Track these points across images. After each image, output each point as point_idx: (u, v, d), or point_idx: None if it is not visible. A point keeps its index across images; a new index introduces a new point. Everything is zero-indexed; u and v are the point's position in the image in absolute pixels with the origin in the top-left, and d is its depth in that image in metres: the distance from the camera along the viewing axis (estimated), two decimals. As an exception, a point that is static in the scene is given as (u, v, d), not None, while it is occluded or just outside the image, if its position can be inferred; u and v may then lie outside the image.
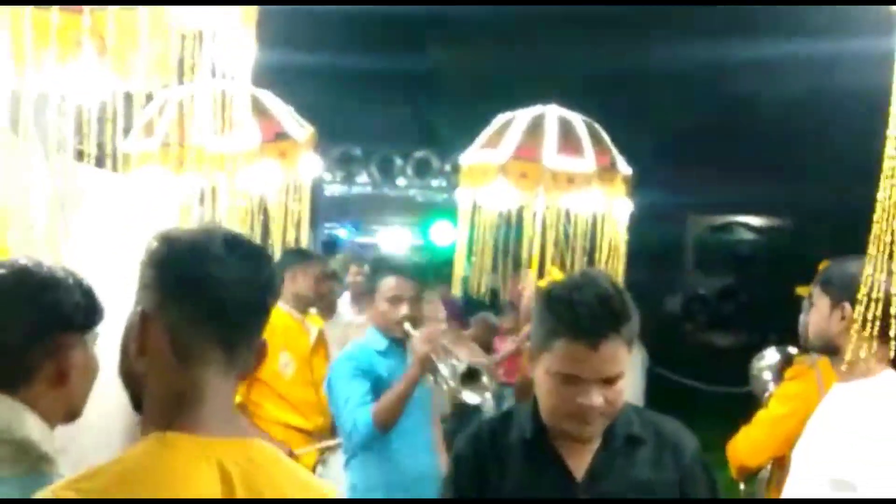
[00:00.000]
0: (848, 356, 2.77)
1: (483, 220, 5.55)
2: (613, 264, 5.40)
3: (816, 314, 3.01)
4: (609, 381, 2.16)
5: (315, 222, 9.85)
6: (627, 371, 2.30)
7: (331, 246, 9.46)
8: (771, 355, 4.59)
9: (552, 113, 5.34)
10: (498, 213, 5.62)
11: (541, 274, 5.26)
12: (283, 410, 4.87)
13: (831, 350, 2.96)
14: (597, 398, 2.14)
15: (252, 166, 4.75)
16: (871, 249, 2.31)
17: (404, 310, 4.03)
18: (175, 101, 4.41)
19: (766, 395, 4.16)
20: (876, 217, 2.29)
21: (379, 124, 10.51)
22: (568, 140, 5.21)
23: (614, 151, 5.37)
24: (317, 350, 5.10)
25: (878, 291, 2.37)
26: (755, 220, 13.06)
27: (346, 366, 4.02)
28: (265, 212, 5.22)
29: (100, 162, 3.65)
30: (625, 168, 5.40)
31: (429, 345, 3.90)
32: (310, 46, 9.08)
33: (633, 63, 8.81)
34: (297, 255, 5.15)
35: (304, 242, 5.17)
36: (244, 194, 5.11)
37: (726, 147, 9.67)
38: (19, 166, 2.96)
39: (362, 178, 11.12)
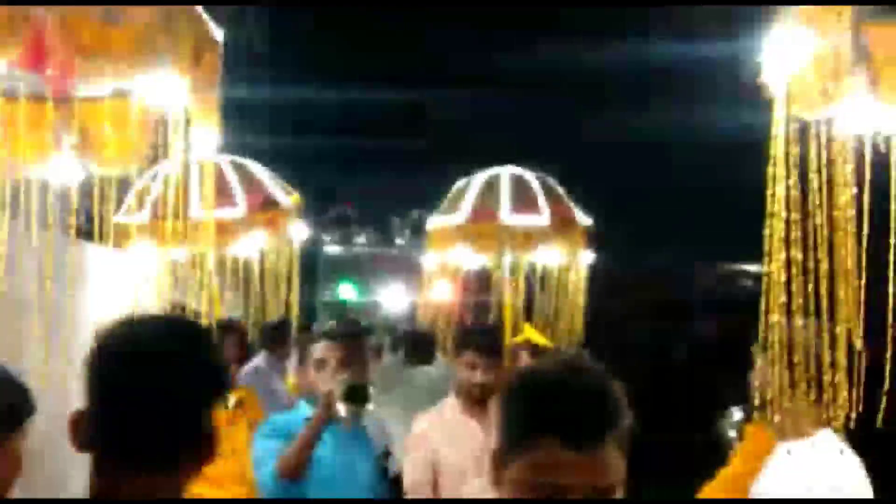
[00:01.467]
0: (776, 417, 2.86)
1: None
2: (575, 315, 5.55)
3: (756, 372, 3.11)
4: (600, 494, 1.70)
5: (315, 282, 10.02)
6: None
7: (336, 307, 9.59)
8: (735, 413, 4.67)
9: (506, 173, 5.56)
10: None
11: (514, 332, 5.39)
12: (200, 486, 4.81)
13: (772, 410, 2.98)
14: None
15: (241, 234, 4.94)
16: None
17: (327, 379, 3.81)
18: (162, 175, 4.60)
19: (731, 452, 4.22)
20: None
21: (376, 186, 10.75)
22: (523, 197, 5.40)
23: (571, 205, 5.54)
24: (235, 420, 5.03)
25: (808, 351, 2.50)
26: (754, 268, 13.16)
27: (262, 430, 3.95)
28: (256, 277, 5.42)
29: (90, 236, 3.84)
30: (583, 220, 5.58)
31: (329, 384, 3.72)
32: (312, 116, 9.33)
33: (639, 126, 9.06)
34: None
35: (296, 304, 5.33)
36: (234, 261, 5.29)
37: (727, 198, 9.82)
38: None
39: (360, 237, 11.32)
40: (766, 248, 2.56)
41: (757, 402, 3.10)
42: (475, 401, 4.13)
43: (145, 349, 1.54)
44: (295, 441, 3.70)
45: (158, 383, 1.52)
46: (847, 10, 2.20)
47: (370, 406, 3.78)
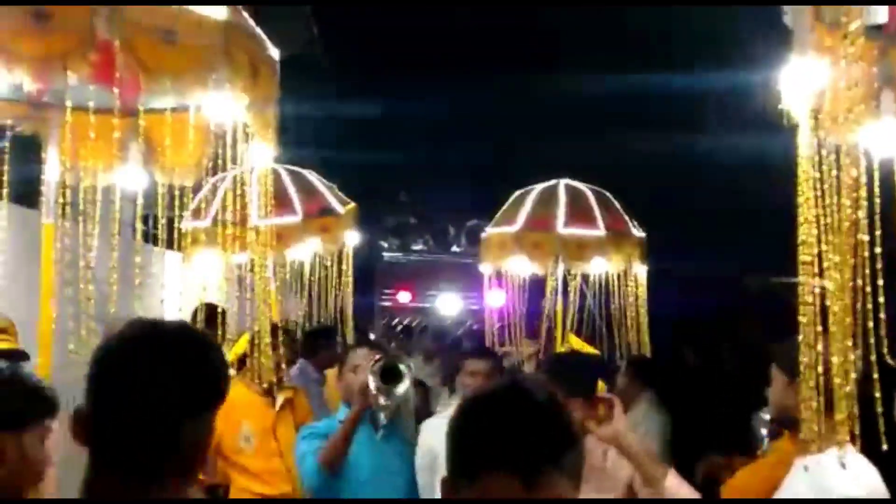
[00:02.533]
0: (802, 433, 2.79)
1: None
2: (635, 327, 5.61)
3: (775, 389, 3.15)
4: None
5: (372, 288, 10.21)
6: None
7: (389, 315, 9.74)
8: (765, 413, 4.68)
9: (563, 185, 5.67)
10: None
11: (561, 341, 5.50)
12: (249, 481, 4.91)
13: (789, 424, 3.06)
14: None
15: (297, 240, 5.13)
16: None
17: (363, 377, 3.93)
18: (224, 184, 4.80)
19: (759, 453, 4.25)
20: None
21: (433, 195, 10.90)
22: (579, 209, 5.51)
23: (626, 218, 5.61)
24: (282, 418, 5.07)
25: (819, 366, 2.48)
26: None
27: (304, 432, 4.12)
28: (312, 283, 5.61)
29: (156, 241, 4.06)
30: (638, 232, 5.64)
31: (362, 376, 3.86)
32: (373, 125, 9.50)
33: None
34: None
35: (349, 311, 5.50)
36: (290, 267, 5.49)
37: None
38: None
39: (418, 245, 11.48)
40: (799, 271, 2.56)
41: (778, 417, 3.17)
42: None
43: (133, 355, 1.55)
44: (334, 433, 3.85)
45: (138, 390, 1.52)
46: (860, 39, 2.24)
47: (403, 386, 3.86)
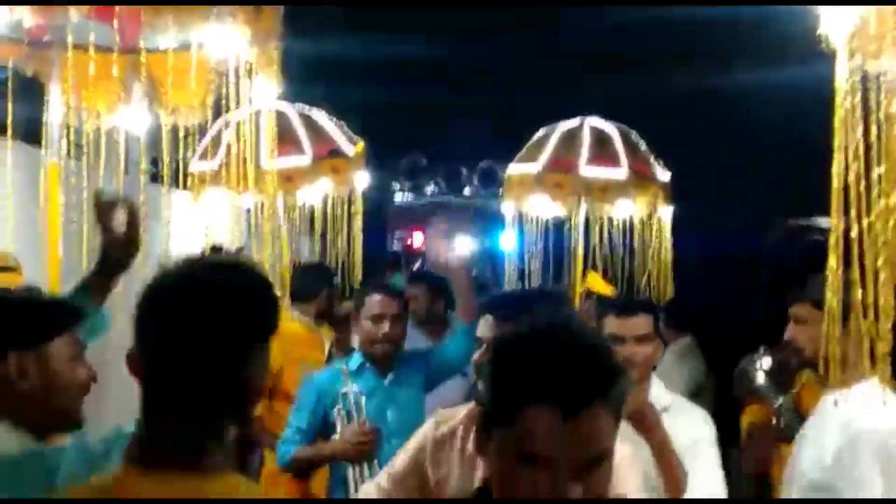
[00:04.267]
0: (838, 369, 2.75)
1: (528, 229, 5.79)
2: (660, 270, 5.55)
3: (810, 330, 3.10)
4: (594, 463, 1.58)
5: (384, 230, 10.16)
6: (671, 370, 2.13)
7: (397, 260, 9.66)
8: (765, 360, 4.63)
9: (588, 124, 5.53)
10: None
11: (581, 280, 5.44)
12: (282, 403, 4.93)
13: (827, 364, 2.89)
14: (574, 487, 1.56)
15: (307, 182, 5.07)
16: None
17: (385, 329, 3.84)
18: (233, 124, 4.74)
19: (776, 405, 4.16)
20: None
21: (445, 135, 10.78)
22: (602, 150, 5.38)
23: (651, 159, 5.51)
24: (330, 360, 5.11)
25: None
26: (826, 221, 12.91)
27: (304, 386, 4.04)
28: (321, 225, 5.55)
29: (164, 181, 4.00)
30: (663, 175, 5.54)
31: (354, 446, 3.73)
32: (384, 64, 9.36)
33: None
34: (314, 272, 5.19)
35: (359, 253, 5.44)
36: (300, 208, 5.44)
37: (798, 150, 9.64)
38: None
39: (430, 187, 11.39)
40: (833, 204, 2.47)
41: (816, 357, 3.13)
42: None
43: (185, 291, 1.52)
44: (314, 452, 3.82)
45: (191, 327, 1.49)
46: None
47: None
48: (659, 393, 3.11)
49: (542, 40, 9.73)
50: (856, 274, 2.56)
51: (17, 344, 2.04)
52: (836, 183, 2.44)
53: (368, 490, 2.89)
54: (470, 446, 2.55)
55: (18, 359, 2.03)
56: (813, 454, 3.03)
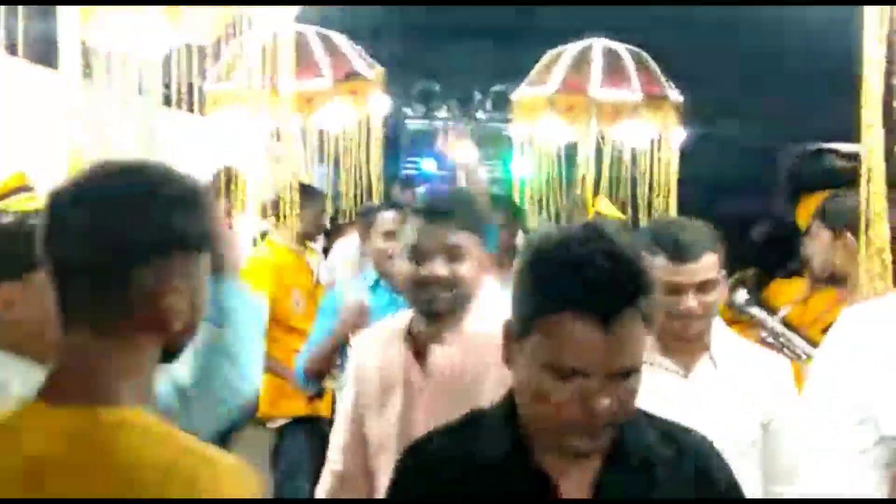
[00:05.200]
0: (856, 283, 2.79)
1: (538, 153, 5.69)
2: (667, 193, 5.47)
3: (819, 247, 3.09)
4: (623, 376, 1.52)
5: (397, 156, 10.06)
6: None
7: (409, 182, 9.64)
8: (740, 294, 4.63)
9: (598, 45, 5.43)
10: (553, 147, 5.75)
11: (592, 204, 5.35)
12: (297, 341, 4.92)
13: (837, 280, 3.04)
14: (604, 400, 1.50)
15: (325, 105, 4.96)
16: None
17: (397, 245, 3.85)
18: (250, 45, 4.61)
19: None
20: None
21: (458, 59, 10.58)
22: (614, 71, 5.30)
23: (663, 80, 5.40)
24: (319, 284, 5.04)
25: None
26: (847, 147, 12.79)
27: (325, 300, 4.06)
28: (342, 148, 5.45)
29: (180, 105, 3.91)
30: (675, 96, 5.43)
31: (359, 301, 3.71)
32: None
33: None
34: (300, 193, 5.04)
35: (376, 177, 5.36)
36: (319, 131, 5.34)
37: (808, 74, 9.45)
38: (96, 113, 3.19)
39: (442, 112, 11.22)
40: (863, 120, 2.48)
41: (824, 274, 3.11)
42: None
43: (73, 197, 1.34)
44: (323, 342, 3.76)
45: (75, 235, 1.32)
46: None
47: None
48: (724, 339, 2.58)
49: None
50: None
51: (2, 274, 1.96)
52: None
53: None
54: (387, 361, 2.43)
55: (5, 289, 1.96)
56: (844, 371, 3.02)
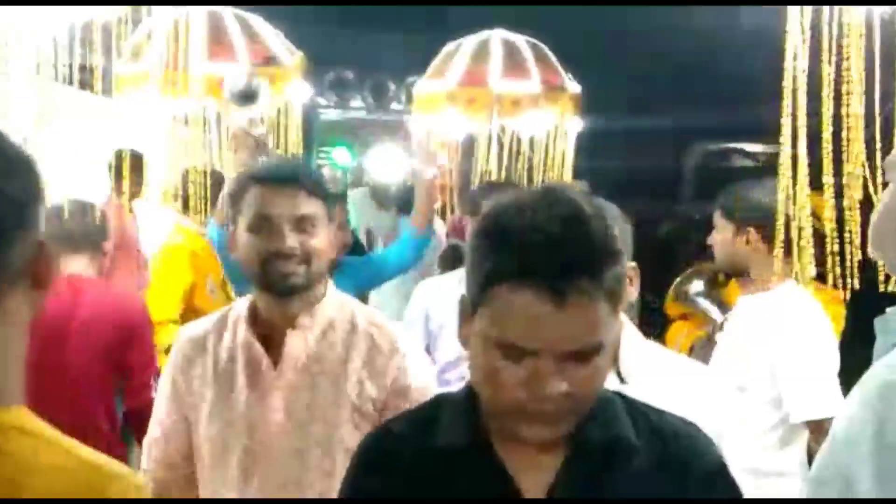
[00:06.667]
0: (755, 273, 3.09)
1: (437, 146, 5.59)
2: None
3: (720, 239, 3.21)
4: (580, 357, 1.35)
5: (310, 146, 9.84)
6: None
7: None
8: (696, 283, 4.82)
9: (497, 37, 5.39)
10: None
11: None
12: None
13: (737, 271, 3.24)
14: (556, 383, 1.34)
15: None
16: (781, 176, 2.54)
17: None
18: (164, 25, 4.38)
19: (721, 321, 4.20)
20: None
21: (373, 49, 10.40)
22: (513, 62, 5.25)
23: (561, 71, 5.39)
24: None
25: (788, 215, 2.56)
26: (751, 147, 13.02)
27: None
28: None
29: (84, 84, 3.66)
30: (573, 87, 5.44)
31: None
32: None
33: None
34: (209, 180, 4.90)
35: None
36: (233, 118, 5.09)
37: (716, 75, 9.56)
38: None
39: (356, 102, 11.02)
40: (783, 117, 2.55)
41: (725, 265, 3.29)
42: None
43: None
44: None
45: None
46: None
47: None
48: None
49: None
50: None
51: None
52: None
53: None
54: (223, 353, 2.23)
55: None
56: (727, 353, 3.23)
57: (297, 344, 2.18)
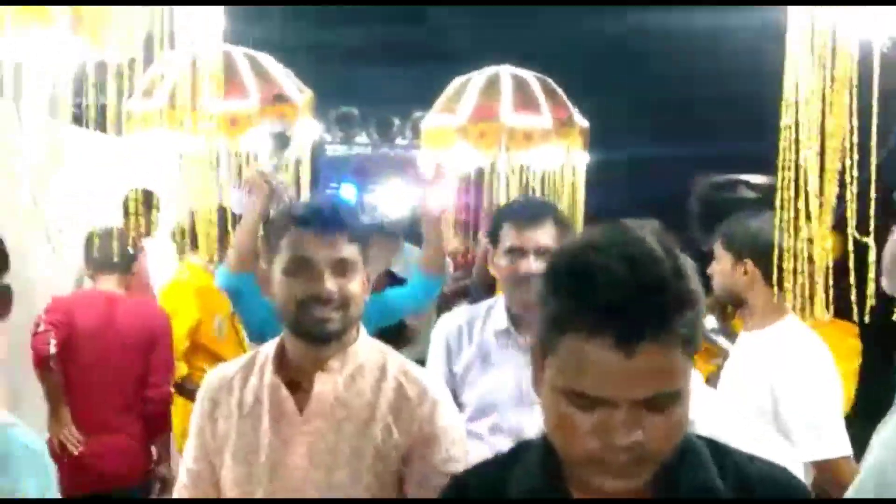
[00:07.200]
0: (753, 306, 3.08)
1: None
2: (573, 217, 5.48)
3: (719, 269, 3.18)
4: (654, 406, 1.29)
5: (316, 182, 9.87)
6: None
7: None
8: (710, 321, 4.77)
9: (506, 72, 5.43)
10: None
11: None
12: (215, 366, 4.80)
13: (736, 303, 3.21)
14: (629, 433, 1.28)
15: (250, 128, 4.76)
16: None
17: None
18: (176, 63, 4.40)
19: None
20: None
21: (377, 85, 10.46)
22: (524, 97, 5.29)
23: (570, 105, 5.43)
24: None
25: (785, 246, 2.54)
26: (756, 179, 13.05)
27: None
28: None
29: (97, 125, 3.67)
30: (581, 121, 5.48)
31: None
32: (311, 10, 9.05)
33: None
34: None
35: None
36: (245, 156, 5.13)
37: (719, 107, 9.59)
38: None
39: (361, 138, 11.07)
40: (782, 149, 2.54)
41: (724, 296, 3.25)
42: None
43: None
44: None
45: None
46: None
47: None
48: None
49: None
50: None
51: None
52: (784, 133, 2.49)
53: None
54: (248, 396, 2.20)
55: None
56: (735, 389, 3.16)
57: (325, 387, 2.14)
